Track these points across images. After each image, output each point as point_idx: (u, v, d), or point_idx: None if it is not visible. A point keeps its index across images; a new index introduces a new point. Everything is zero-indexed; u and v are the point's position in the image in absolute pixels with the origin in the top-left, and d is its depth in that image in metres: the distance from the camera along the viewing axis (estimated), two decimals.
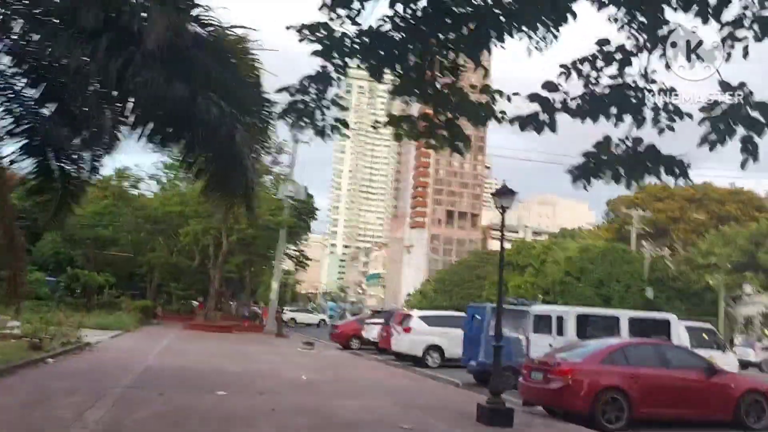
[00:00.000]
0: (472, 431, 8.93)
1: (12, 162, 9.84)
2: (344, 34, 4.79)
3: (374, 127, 5.86)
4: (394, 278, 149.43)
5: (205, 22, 7.91)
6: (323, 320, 57.89)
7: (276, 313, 35.57)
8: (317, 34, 4.74)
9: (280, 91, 4.97)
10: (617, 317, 14.36)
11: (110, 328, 25.60)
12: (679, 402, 10.53)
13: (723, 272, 45.60)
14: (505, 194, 9.46)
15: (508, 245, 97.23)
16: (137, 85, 6.83)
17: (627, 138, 4.53)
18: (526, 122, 4.84)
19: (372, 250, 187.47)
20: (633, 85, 4.70)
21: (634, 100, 4.63)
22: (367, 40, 4.76)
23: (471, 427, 9.07)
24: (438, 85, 5.18)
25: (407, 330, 20.62)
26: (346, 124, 5.28)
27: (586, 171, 4.61)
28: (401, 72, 4.95)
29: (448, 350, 20.20)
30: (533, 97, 4.77)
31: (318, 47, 4.76)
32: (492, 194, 9.59)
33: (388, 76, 5.06)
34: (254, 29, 8.63)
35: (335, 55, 4.77)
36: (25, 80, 8.87)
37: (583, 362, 10.52)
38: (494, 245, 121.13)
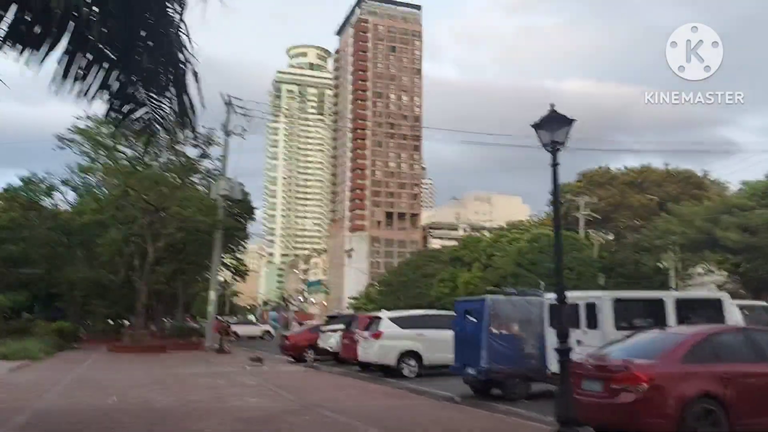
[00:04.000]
0: None
1: None
2: None
3: None
4: (337, 283, 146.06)
5: None
6: (267, 332, 53.98)
7: (217, 325, 31.61)
8: None
9: None
10: (662, 300, 11.55)
11: (14, 357, 21.31)
12: None
13: (678, 252, 44.70)
14: (556, 123, 6.32)
15: (452, 243, 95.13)
16: None
17: None
18: None
19: (311, 256, 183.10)
20: None
21: None
22: None
23: None
24: None
25: (377, 335, 17.33)
26: None
27: None
28: None
29: (427, 356, 17.11)
30: None
31: None
32: (534, 126, 6.46)
33: None
34: None
35: None
36: None
37: (661, 362, 7.52)
38: (435, 244, 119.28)
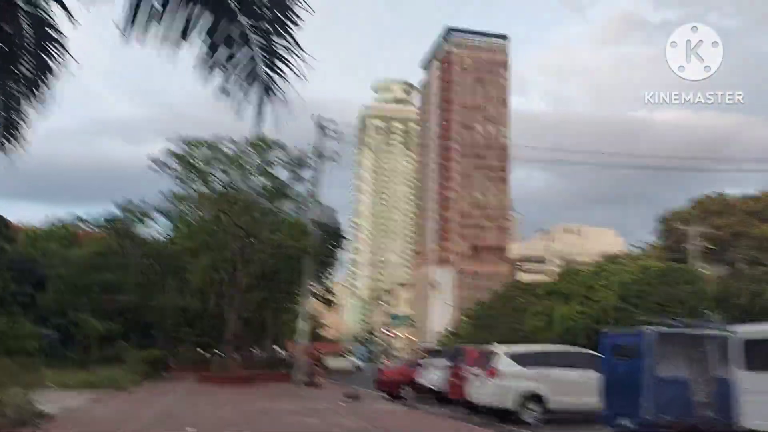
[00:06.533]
0: None
1: None
2: None
3: None
4: (422, 317, 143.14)
5: None
6: (357, 366, 52.21)
7: (309, 351, 30.04)
8: None
9: None
10: None
11: (100, 386, 20.39)
12: None
13: None
14: None
15: (541, 277, 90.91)
16: None
17: None
18: None
19: (395, 289, 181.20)
20: None
21: None
22: None
23: None
24: None
25: (491, 373, 14.94)
26: None
27: None
28: None
29: (552, 399, 14.53)
30: None
31: None
32: None
33: None
34: None
35: None
36: None
37: None
38: (524, 277, 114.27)
